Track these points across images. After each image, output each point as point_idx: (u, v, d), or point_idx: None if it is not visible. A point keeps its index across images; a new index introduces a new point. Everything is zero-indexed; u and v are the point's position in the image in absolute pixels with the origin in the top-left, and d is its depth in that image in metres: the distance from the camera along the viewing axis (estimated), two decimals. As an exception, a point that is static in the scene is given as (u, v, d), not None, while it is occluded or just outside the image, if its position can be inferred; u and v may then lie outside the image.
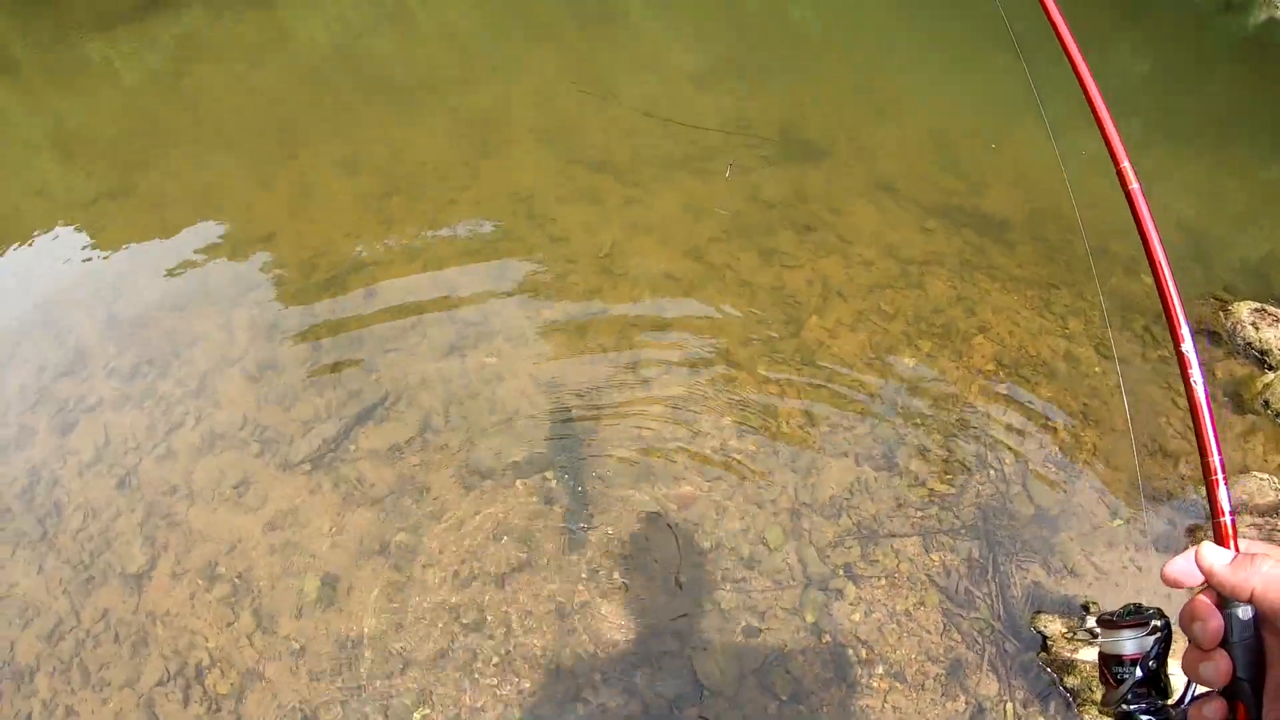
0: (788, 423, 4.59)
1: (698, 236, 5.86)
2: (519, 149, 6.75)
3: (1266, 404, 5.50)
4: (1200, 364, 1.37)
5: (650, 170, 6.55)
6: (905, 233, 6.22)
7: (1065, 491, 4.57)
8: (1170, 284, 1.54)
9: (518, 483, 4.33)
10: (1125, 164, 1.76)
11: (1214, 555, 1.10)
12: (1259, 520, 4.43)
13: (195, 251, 5.96)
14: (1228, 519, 1.19)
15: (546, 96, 7.71)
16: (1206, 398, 1.33)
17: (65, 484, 4.58)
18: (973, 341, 5.35)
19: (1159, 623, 1.22)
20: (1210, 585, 1.09)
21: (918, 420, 4.74)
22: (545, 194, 6.23)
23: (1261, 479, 4.75)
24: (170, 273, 5.78)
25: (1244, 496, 4.66)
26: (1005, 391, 5.06)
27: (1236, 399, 5.50)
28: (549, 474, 4.38)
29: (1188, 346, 1.40)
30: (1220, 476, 1.24)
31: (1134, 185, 1.72)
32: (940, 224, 6.38)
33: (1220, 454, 1.26)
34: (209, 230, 6.16)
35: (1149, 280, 5.58)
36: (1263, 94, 14.71)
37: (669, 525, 4.17)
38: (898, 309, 5.47)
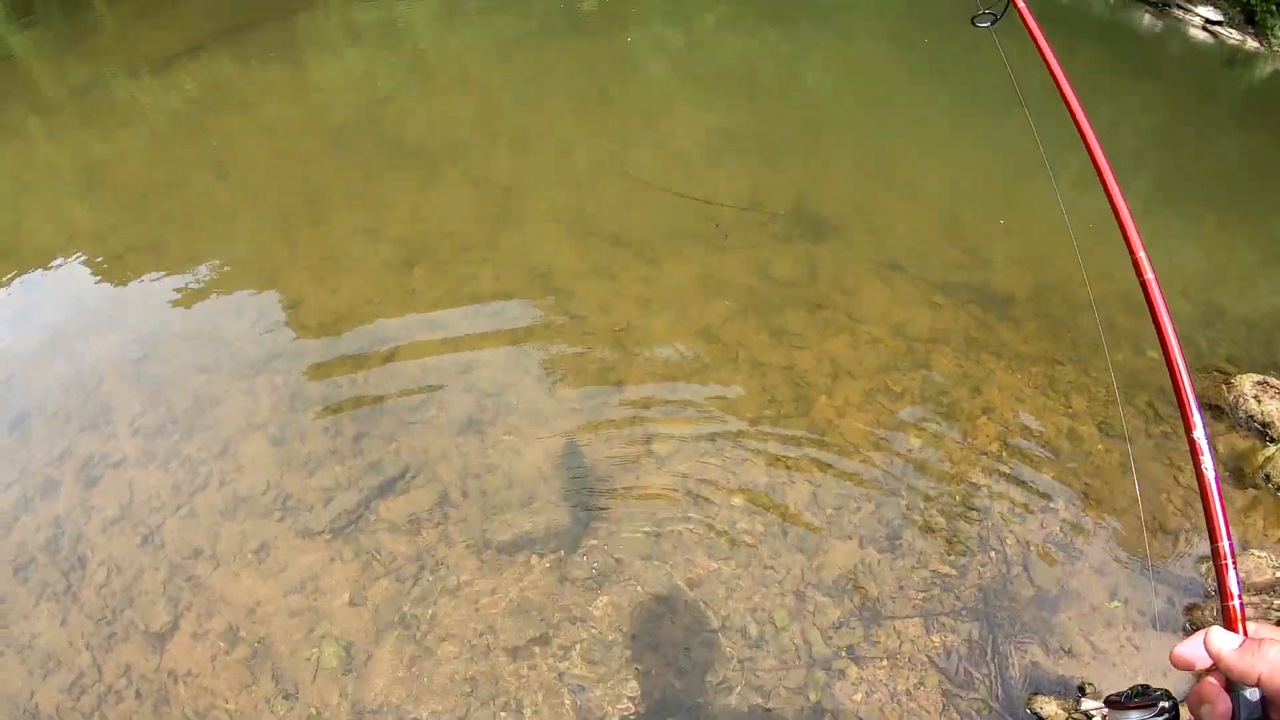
0: (795, 503, 4.72)
1: (711, 314, 6.02)
2: (538, 221, 6.93)
3: (1268, 478, 5.58)
4: (1211, 450, 1.45)
5: (665, 245, 6.74)
6: (913, 310, 6.37)
7: (1065, 572, 4.67)
8: (1183, 372, 1.60)
9: (532, 558, 4.45)
10: (1141, 254, 1.85)
11: (1222, 640, 1.13)
12: (1256, 599, 4.51)
13: (221, 313, 6.11)
14: (1236, 603, 1.24)
15: (565, 167, 7.90)
16: (1217, 484, 1.39)
17: (90, 539, 4.67)
18: (977, 421, 5.48)
19: (1166, 704, 1.22)
20: (1218, 668, 1.12)
21: (922, 501, 4.86)
22: (562, 268, 6.40)
23: (1260, 556, 4.84)
24: (196, 334, 5.93)
25: (1243, 574, 4.73)
26: (1008, 471, 5.17)
27: (1238, 473, 5.59)
28: (563, 550, 4.49)
29: (1199, 434, 1.47)
30: (1230, 561, 1.29)
31: (1149, 275, 1.79)
32: (947, 300, 6.53)
33: (1230, 539, 1.33)
34: (235, 293, 6.31)
35: (1154, 355, 5.72)
36: (1271, 148, 14.88)
37: (679, 603, 4.29)
38: (904, 389, 5.61)
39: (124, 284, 6.53)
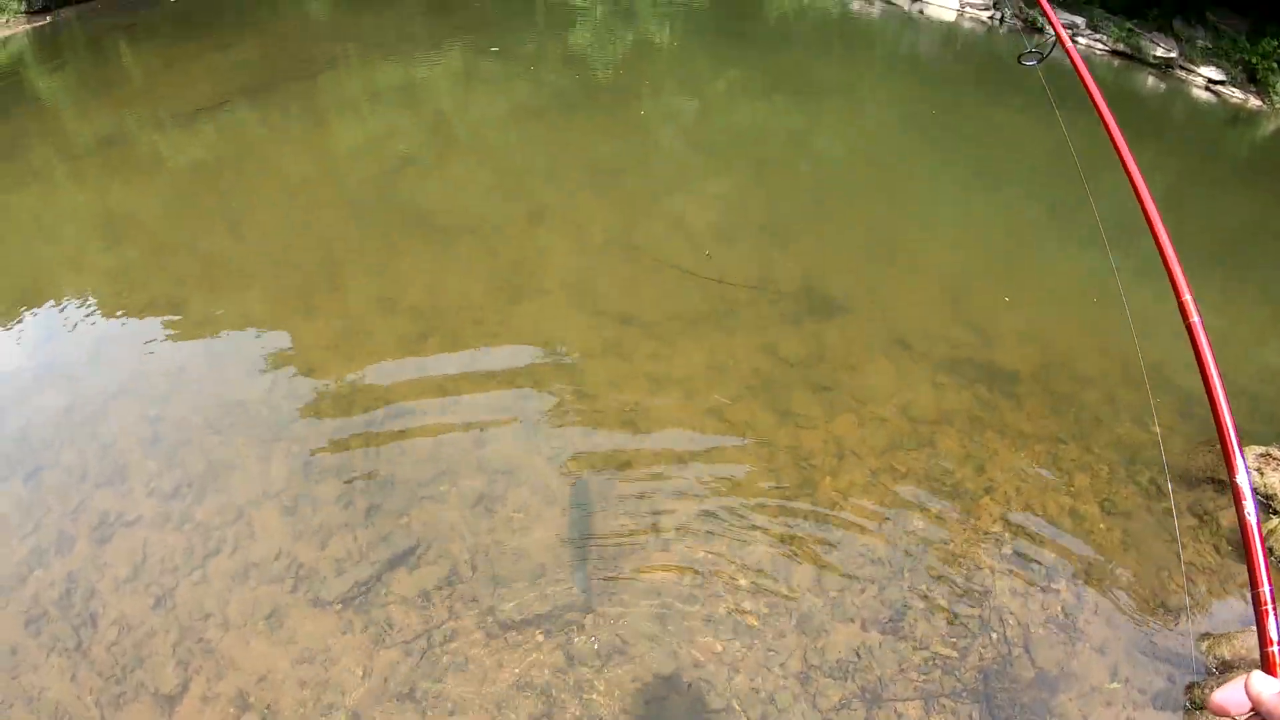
0: (799, 584, 4.78)
1: (719, 394, 6.13)
2: (550, 295, 7.07)
3: (1271, 550, 5.61)
4: (1255, 495, 1.48)
5: (675, 324, 6.86)
6: (918, 390, 6.48)
7: (1066, 652, 4.72)
8: (1227, 417, 1.65)
9: (539, 635, 4.51)
10: (1187, 296, 1.92)
11: (1263, 684, 1.14)
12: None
13: (238, 378, 6.23)
14: (1277, 648, 1.28)
15: (578, 241, 8.04)
16: (1259, 529, 1.42)
17: (102, 596, 4.74)
18: (980, 501, 5.56)
19: None
20: (1258, 713, 1.12)
21: (924, 583, 4.92)
22: (574, 346, 6.54)
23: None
24: (213, 396, 6.03)
25: (1243, 652, 4.77)
26: (1010, 552, 5.24)
27: (1241, 548, 5.61)
28: (570, 628, 4.55)
29: (1242, 478, 1.50)
30: (1271, 606, 1.31)
31: (1195, 318, 1.85)
32: (951, 380, 6.63)
33: (1270, 584, 1.35)
34: (252, 358, 6.43)
35: (1157, 430, 5.76)
36: (1275, 209, 15.01)
37: (683, 683, 4.35)
38: (908, 469, 5.69)
39: (143, 341, 6.64)
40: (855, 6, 24.18)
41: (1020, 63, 3.76)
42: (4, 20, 15.52)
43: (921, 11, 24.30)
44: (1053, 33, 3.36)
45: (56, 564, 4.92)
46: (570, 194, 9.34)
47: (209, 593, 4.74)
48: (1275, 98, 23.77)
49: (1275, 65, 24.07)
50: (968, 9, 24.32)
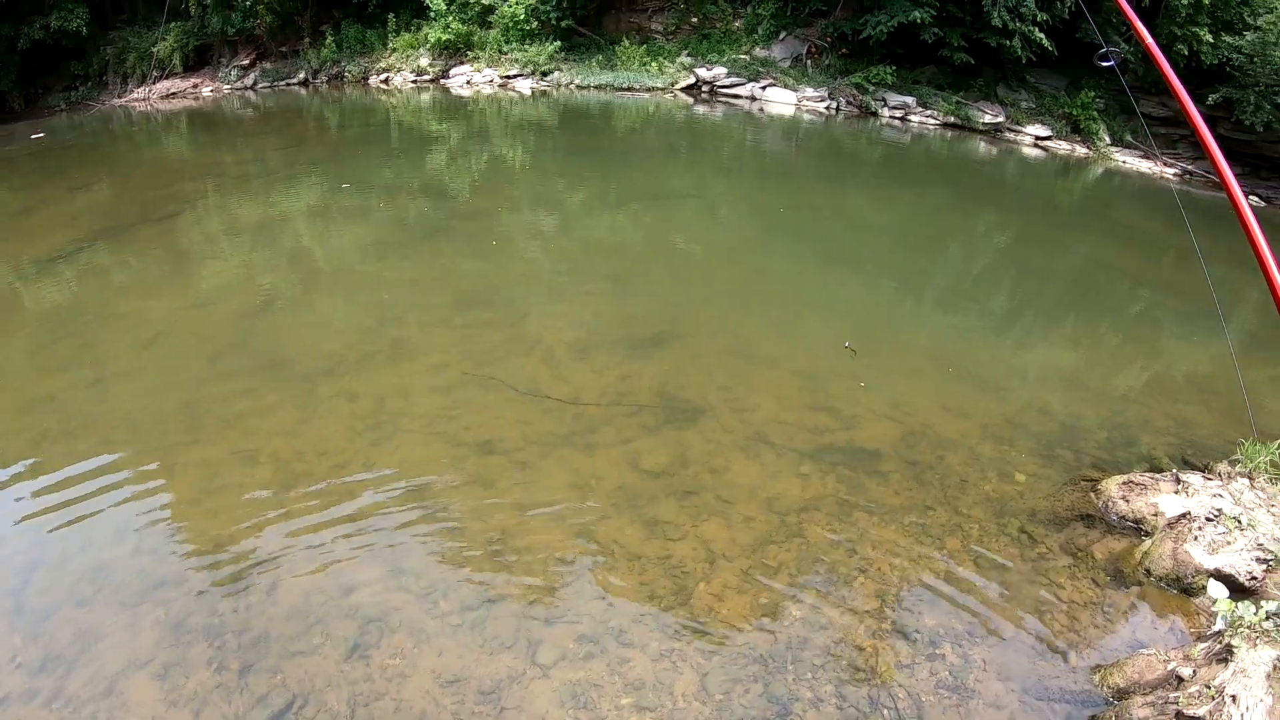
0: (684, 694, 4.78)
1: (585, 515, 6.18)
2: (411, 435, 7.05)
3: (1149, 572, 5.84)
4: None
5: (536, 449, 6.92)
6: (783, 482, 6.64)
7: (960, 715, 4.79)
8: None
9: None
10: None
11: None
12: (1150, 697, 4.66)
13: (99, 540, 6.01)
14: None
15: (436, 377, 8.05)
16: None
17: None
18: (855, 583, 5.70)
19: None
20: None
21: (809, 673, 4.97)
22: (437, 481, 6.52)
23: (1149, 654, 5.03)
24: (75, 562, 5.79)
25: (1135, 676, 4.93)
26: (890, 627, 5.36)
27: (1118, 575, 5.85)
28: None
29: None
30: None
31: None
32: (815, 467, 6.83)
33: None
34: (112, 518, 6.22)
35: (1021, 479, 6.07)
36: (1110, 249, 15.94)
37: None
38: (780, 563, 5.80)
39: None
40: (700, 110, 25.33)
41: (1096, 62, 4.45)
42: None
43: (762, 109, 25.60)
44: (1135, 39, 4.07)
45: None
46: (429, 326, 9.44)
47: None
48: (1099, 143, 25.60)
49: (1095, 114, 26.02)
50: (804, 102, 25.72)
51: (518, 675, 4.88)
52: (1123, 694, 4.85)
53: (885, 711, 4.79)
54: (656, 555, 5.81)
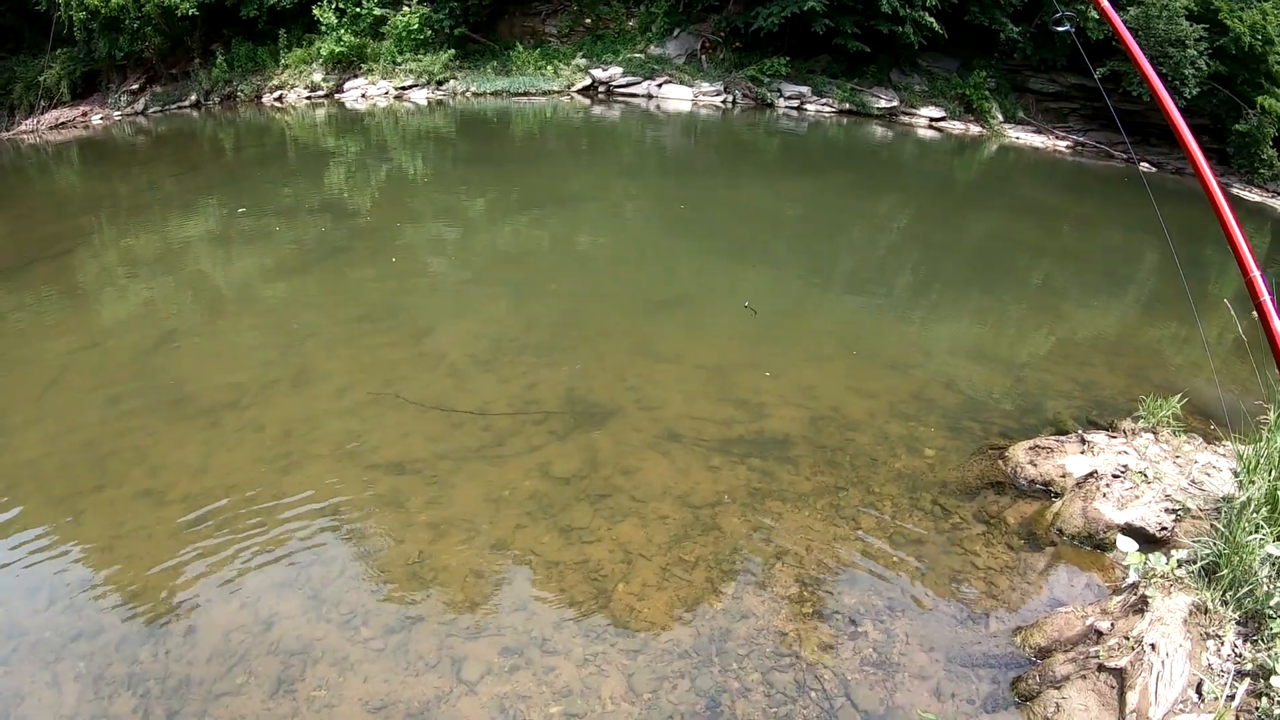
0: (613, 696, 4.80)
1: (501, 527, 6.15)
2: (320, 461, 6.93)
3: (1061, 532, 6.01)
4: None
5: (446, 465, 6.87)
6: (695, 477, 6.70)
7: (887, 689, 4.88)
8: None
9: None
10: (1255, 273, 2.11)
11: None
12: (1071, 654, 4.76)
13: (10, 598, 5.73)
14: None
15: (343, 400, 7.92)
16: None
17: None
18: (773, 570, 5.77)
19: None
20: None
21: (733, 663, 5.02)
22: (349, 506, 6.42)
23: (1067, 612, 5.15)
24: None
25: (1055, 634, 5.05)
26: (811, 610, 5.44)
27: (1032, 538, 6.02)
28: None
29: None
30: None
31: (1264, 297, 2.05)
32: (725, 460, 6.90)
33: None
34: (22, 573, 5.96)
35: (930, 453, 6.16)
36: (1008, 224, 16.39)
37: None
38: (697, 557, 5.85)
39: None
40: (597, 111, 25.35)
41: (1051, 28, 4.38)
42: None
43: (659, 107, 25.76)
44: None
45: None
46: (333, 348, 9.28)
47: None
48: (992, 121, 26.31)
49: (987, 94, 26.74)
50: (701, 97, 25.95)
51: (445, 695, 4.84)
52: (1045, 653, 4.97)
53: (812, 694, 4.86)
54: (574, 560, 5.81)
